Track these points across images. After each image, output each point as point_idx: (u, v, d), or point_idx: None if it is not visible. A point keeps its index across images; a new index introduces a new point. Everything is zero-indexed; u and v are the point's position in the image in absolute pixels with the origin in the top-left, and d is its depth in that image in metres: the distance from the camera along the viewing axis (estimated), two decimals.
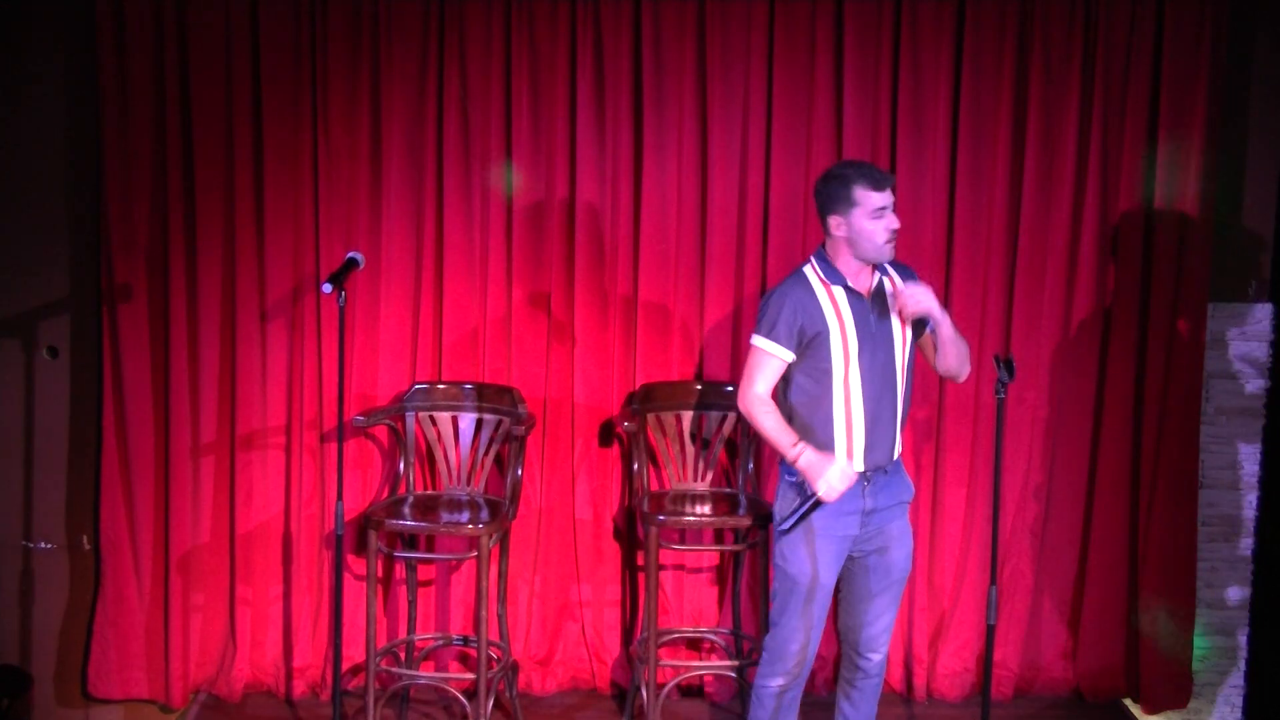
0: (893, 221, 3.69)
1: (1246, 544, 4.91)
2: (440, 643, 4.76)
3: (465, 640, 4.70)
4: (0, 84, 4.59)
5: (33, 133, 4.60)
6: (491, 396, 4.62)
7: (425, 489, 4.73)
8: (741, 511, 4.46)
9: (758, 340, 3.74)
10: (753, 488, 4.68)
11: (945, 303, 4.69)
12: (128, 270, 4.55)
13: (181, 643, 4.68)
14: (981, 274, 4.69)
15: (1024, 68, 4.61)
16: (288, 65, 4.54)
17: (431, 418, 4.63)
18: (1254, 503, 4.89)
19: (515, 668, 4.68)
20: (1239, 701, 4.96)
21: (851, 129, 4.64)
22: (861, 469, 3.73)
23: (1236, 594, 4.93)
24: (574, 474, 4.74)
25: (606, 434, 4.76)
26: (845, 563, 3.85)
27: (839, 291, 3.73)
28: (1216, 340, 4.80)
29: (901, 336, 3.79)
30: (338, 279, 4.06)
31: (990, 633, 3.95)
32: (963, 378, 3.93)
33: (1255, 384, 4.84)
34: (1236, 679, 4.95)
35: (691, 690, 4.79)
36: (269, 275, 4.62)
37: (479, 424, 4.63)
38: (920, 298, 3.68)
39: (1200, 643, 4.88)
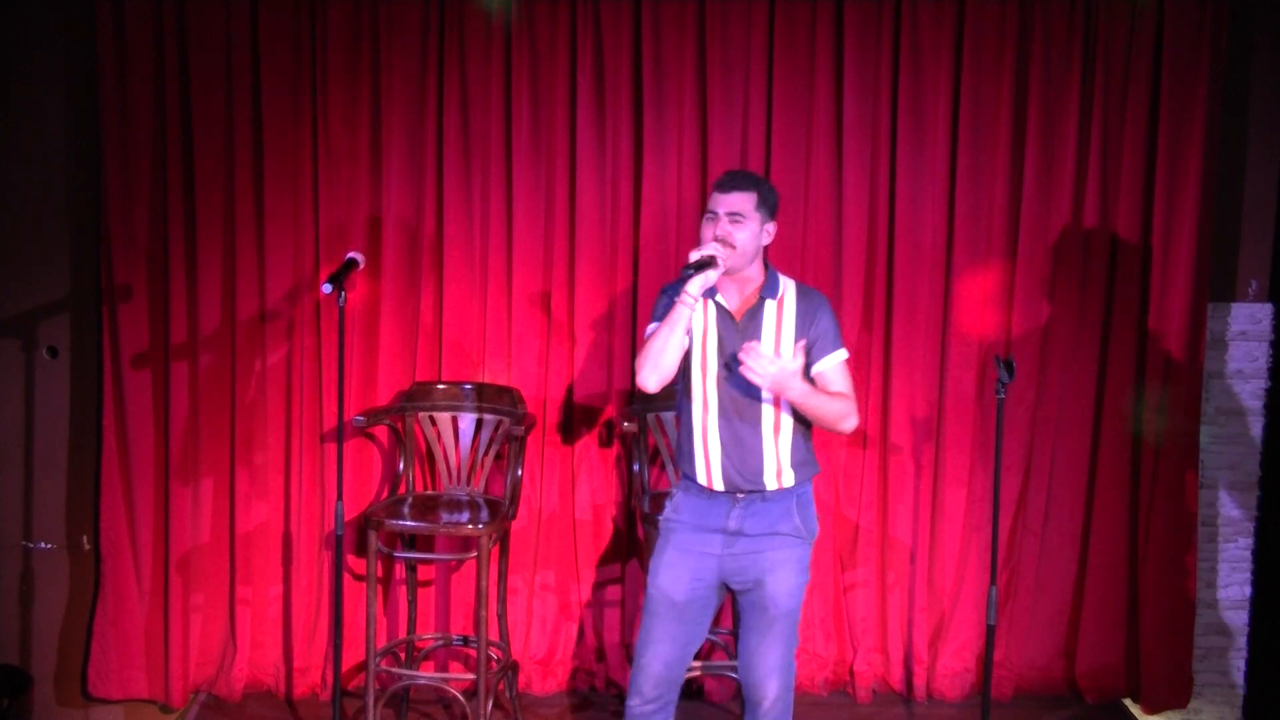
0: (721, 231, 3.43)
1: (1246, 544, 4.91)
2: (440, 643, 4.76)
3: (465, 640, 4.70)
4: (1, 84, 4.59)
5: (33, 133, 4.60)
6: (491, 396, 4.62)
7: (425, 489, 4.73)
8: None
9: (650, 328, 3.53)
10: None
11: (945, 303, 4.70)
12: (128, 270, 4.56)
13: (181, 643, 4.68)
14: (981, 274, 4.69)
15: (1024, 68, 4.61)
16: (288, 65, 4.54)
17: (431, 418, 4.63)
18: (1254, 503, 4.89)
19: (515, 668, 4.68)
20: (1239, 701, 4.95)
21: (851, 129, 4.64)
22: (721, 488, 3.53)
23: (1236, 594, 4.93)
24: (574, 474, 4.74)
25: (606, 434, 4.77)
26: (736, 597, 3.65)
27: (710, 305, 3.55)
28: (1216, 340, 4.80)
29: None
30: (338, 279, 4.06)
31: (990, 633, 3.95)
32: (846, 433, 3.63)
33: (1255, 384, 4.84)
34: (1237, 679, 4.95)
35: (691, 690, 4.78)
36: (269, 275, 4.62)
37: (479, 424, 4.62)
38: (754, 367, 3.34)
39: (1200, 643, 4.88)
